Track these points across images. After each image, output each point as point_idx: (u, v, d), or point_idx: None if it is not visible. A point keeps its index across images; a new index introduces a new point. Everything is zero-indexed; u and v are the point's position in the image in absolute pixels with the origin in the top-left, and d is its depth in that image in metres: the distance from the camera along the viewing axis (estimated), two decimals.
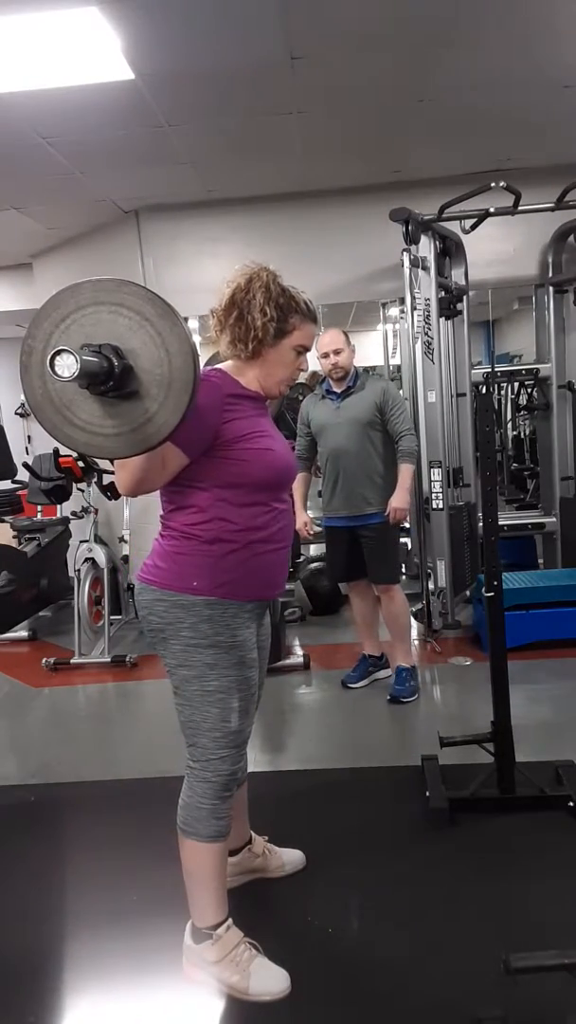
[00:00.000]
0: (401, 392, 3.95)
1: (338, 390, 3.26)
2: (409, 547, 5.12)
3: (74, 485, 4.49)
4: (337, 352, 3.18)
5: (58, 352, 1.16)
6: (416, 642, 4.00)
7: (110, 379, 1.22)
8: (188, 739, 1.65)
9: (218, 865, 1.67)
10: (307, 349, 1.69)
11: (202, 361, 1.38)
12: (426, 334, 3.89)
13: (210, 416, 1.51)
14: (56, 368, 1.16)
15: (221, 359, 1.71)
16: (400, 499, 3.15)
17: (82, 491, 4.43)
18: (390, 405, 3.20)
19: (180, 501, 1.59)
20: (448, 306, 4.11)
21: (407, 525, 4.25)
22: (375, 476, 3.22)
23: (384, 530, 3.24)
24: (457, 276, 4.24)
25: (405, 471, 3.19)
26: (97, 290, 1.27)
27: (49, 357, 1.16)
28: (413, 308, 3.93)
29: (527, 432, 7.20)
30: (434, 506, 3.88)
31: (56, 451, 4.42)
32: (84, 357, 1.17)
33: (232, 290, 1.62)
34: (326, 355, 3.20)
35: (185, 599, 1.56)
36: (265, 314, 1.58)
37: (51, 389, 1.27)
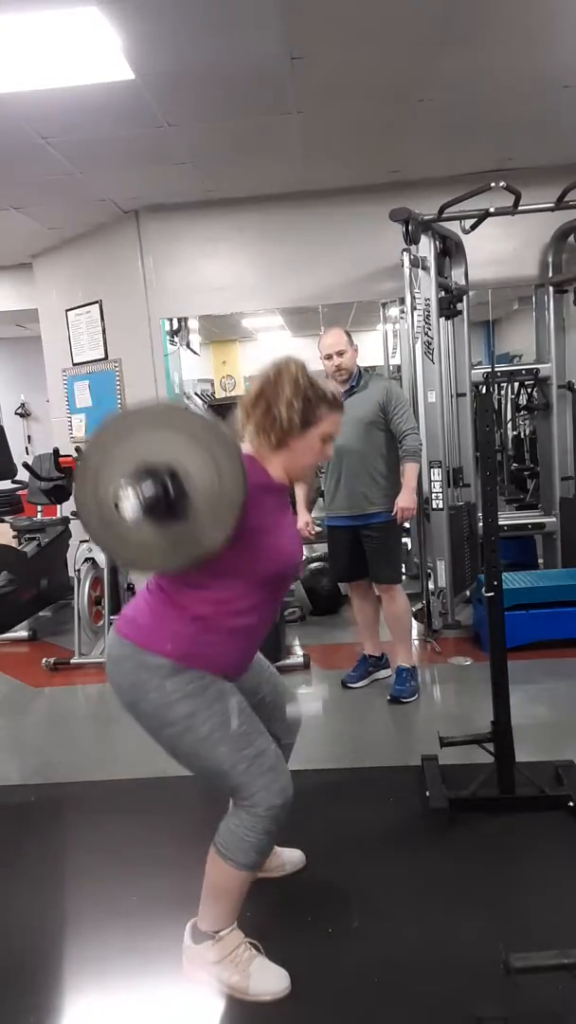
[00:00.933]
0: (388, 377, 3.94)
1: (341, 389, 3.25)
2: (409, 547, 5.12)
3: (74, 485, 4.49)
4: (340, 354, 3.18)
5: (120, 495, 1.19)
6: (416, 642, 4.00)
7: (165, 505, 1.25)
8: (222, 789, 1.61)
9: (243, 887, 1.65)
10: (333, 437, 1.72)
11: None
12: (426, 334, 3.89)
13: None
14: (121, 511, 1.19)
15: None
16: (407, 499, 3.15)
17: None
18: (393, 404, 3.20)
19: (177, 575, 1.57)
20: (448, 306, 4.11)
21: (407, 525, 4.25)
22: (378, 475, 3.22)
23: (387, 530, 3.24)
24: (457, 276, 4.24)
25: (411, 470, 3.19)
26: (153, 413, 1.33)
27: (112, 502, 1.20)
28: (413, 308, 3.92)
29: (527, 432, 7.19)
30: (434, 506, 3.87)
31: (56, 451, 4.42)
32: (146, 497, 1.20)
33: (261, 383, 1.64)
34: (329, 357, 3.20)
35: (152, 660, 1.55)
36: (292, 406, 1.60)
37: (101, 499, 1.30)
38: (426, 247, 3.88)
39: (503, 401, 7.58)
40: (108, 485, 1.26)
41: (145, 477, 1.24)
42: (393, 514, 3.18)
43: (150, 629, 1.57)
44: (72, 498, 1.30)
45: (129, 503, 1.18)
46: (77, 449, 4.37)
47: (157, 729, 1.59)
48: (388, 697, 3.30)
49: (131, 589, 4.58)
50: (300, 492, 3.46)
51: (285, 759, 1.82)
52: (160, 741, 1.61)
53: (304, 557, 5.26)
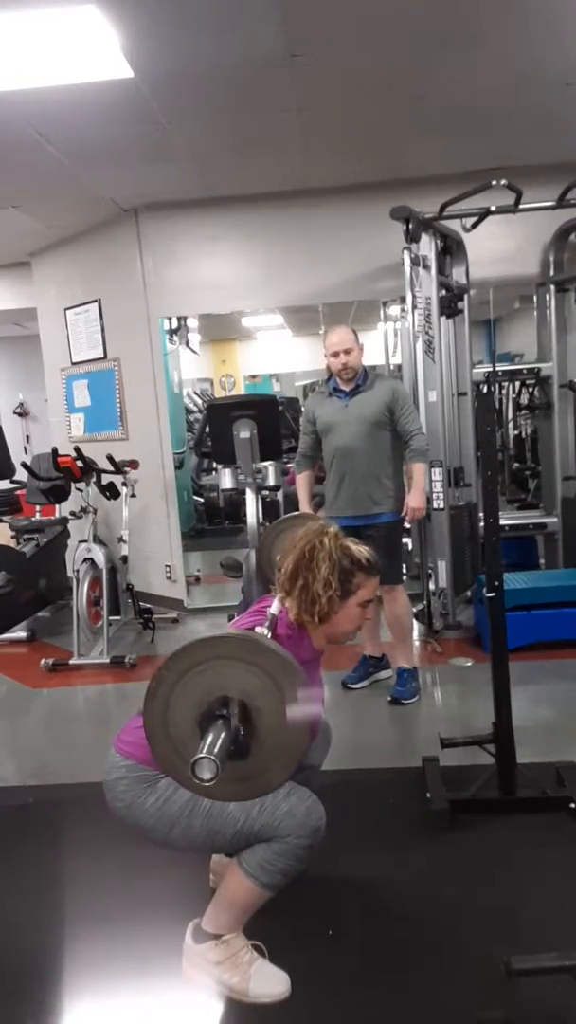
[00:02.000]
0: (392, 377, 3.94)
1: (346, 388, 3.24)
2: (410, 547, 5.11)
3: (72, 485, 4.48)
4: (347, 352, 3.17)
5: (198, 766, 1.18)
6: (417, 643, 3.99)
7: (237, 748, 1.26)
8: (252, 842, 1.58)
9: (260, 902, 1.64)
10: (370, 602, 1.75)
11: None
12: (427, 333, 3.88)
13: None
14: (198, 773, 1.18)
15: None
16: (417, 499, 3.15)
17: (81, 491, 4.42)
18: (400, 404, 3.19)
19: None
20: (449, 305, 4.10)
21: (408, 526, 4.24)
22: (382, 476, 3.21)
23: (389, 530, 3.23)
24: (458, 275, 4.23)
25: (418, 470, 3.18)
26: (240, 646, 1.31)
27: (192, 766, 1.18)
28: (414, 307, 3.91)
29: (528, 432, 7.18)
30: (435, 506, 3.86)
31: (55, 450, 4.41)
32: (219, 756, 1.18)
33: (295, 559, 1.66)
34: (336, 355, 3.19)
35: (145, 773, 1.59)
36: (330, 586, 1.63)
37: (170, 720, 1.30)
38: (427, 245, 3.87)
39: (504, 400, 7.57)
40: (179, 716, 1.27)
41: (218, 723, 1.24)
42: (403, 514, 3.17)
43: (146, 747, 1.54)
44: (143, 712, 1.29)
45: (206, 768, 1.17)
46: (76, 449, 4.36)
47: (168, 833, 1.60)
48: (389, 698, 3.29)
49: (130, 589, 4.57)
50: (302, 491, 3.46)
51: (315, 781, 1.81)
52: (176, 845, 1.62)
53: None
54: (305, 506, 3.42)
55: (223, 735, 1.22)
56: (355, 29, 2.69)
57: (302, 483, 3.47)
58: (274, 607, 1.70)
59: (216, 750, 1.18)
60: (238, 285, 4.66)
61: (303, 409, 3.58)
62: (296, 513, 2.97)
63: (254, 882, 1.58)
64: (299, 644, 1.67)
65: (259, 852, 1.57)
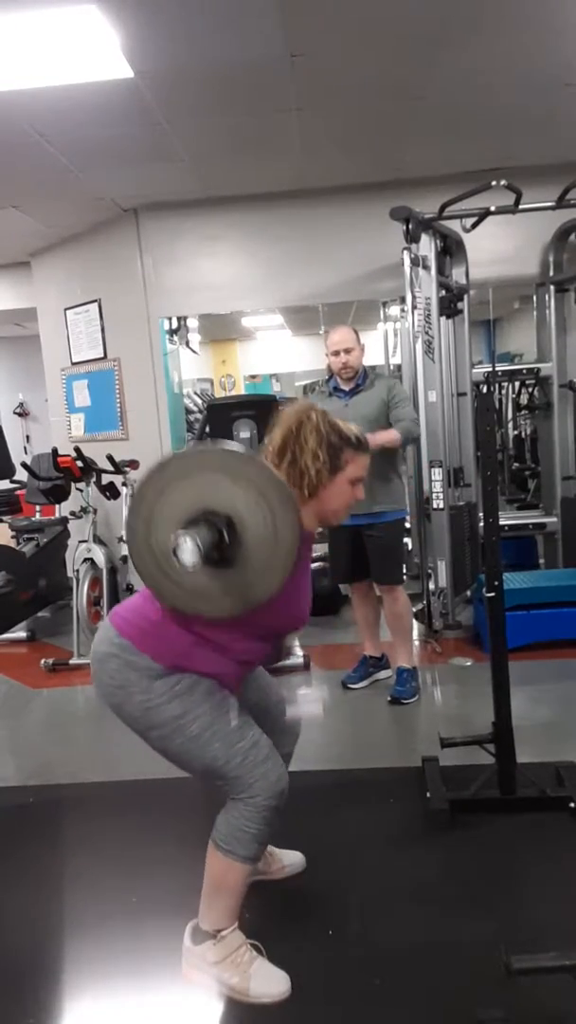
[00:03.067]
0: (391, 376, 3.93)
1: (346, 388, 3.25)
2: (410, 547, 5.11)
3: (72, 485, 4.48)
4: (348, 351, 3.17)
5: (180, 543, 1.17)
6: (417, 643, 3.99)
7: (220, 553, 1.25)
8: (219, 783, 1.60)
9: (243, 881, 1.66)
10: (361, 479, 1.72)
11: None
12: (426, 333, 3.88)
13: None
14: (179, 554, 1.17)
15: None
16: (380, 437, 2.97)
17: (81, 491, 4.42)
18: (394, 400, 3.20)
19: None
20: (449, 305, 4.10)
21: (408, 526, 4.24)
22: (382, 474, 3.21)
23: (389, 530, 3.24)
24: (458, 275, 4.23)
25: (391, 433, 3.07)
26: (226, 458, 1.31)
27: (172, 544, 1.18)
28: (413, 307, 3.91)
29: (528, 432, 7.19)
30: (435, 506, 3.86)
31: (55, 450, 4.41)
32: (204, 546, 1.18)
33: (283, 434, 1.64)
34: (336, 353, 3.19)
35: (141, 661, 1.54)
36: (318, 459, 1.60)
37: (153, 542, 1.29)
38: (427, 246, 3.87)
39: (504, 401, 7.58)
40: (162, 529, 1.25)
41: (202, 524, 1.23)
42: (393, 520, 3.18)
43: (146, 632, 1.56)
44: (125, 543, 1.30)
45: (187, 551, 1.16)
46: (76, 449, 4.36)
47: (144, 731, 1.59)
48: (388, 698, 3.29)
49: (130, 590, 4.57)
50: None
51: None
52: (148, 742, 1.61)
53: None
54: None
55: (207, 533, 1.20)
56: (355, 29, 2.69)
57: None
58: None
59: (200, 539, 1.17)
60: (238, 285, 4.66)
61: None
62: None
63: (232, 857, 1.60)
64: None
65: (230, 822, 1.60)
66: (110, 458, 4.40)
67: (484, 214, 3.78)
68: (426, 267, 3.87)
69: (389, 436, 3.10)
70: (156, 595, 1.32)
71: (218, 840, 1.62)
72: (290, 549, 1.28)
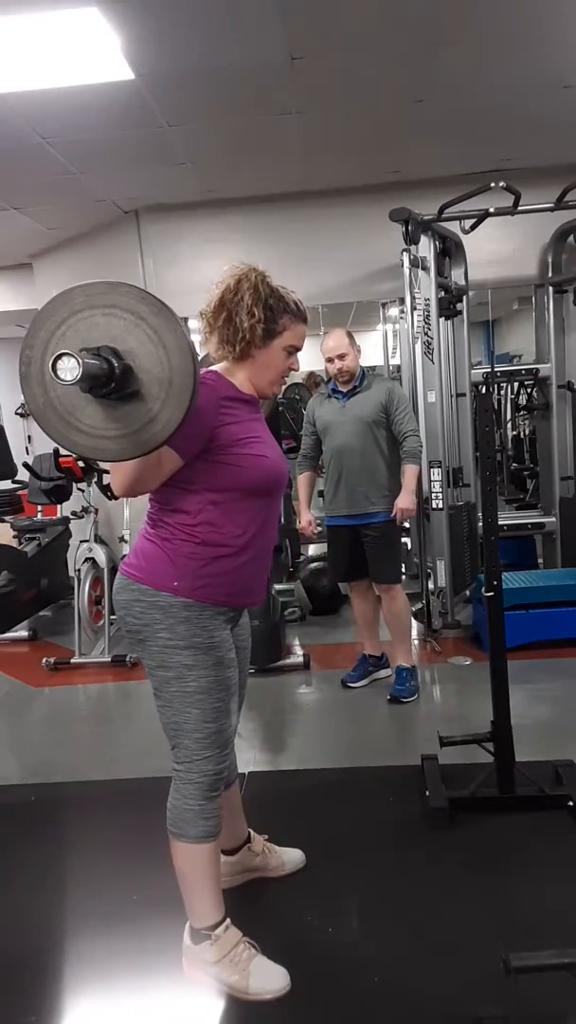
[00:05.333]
0: (390, 378, 3.95)
1: (344, 390, 3.26)
2: (409, 547, 5.12)
3: (74, 485, 4.50)
4: (342, 357, 3.18)
5: (59, 356, 1.16)
6: (416, 642, 4.00)
7: (111, 381, 1.21)
8: (171, 741, 1.65)
9: (210, 865, 1.67)
10: (298, 349, 1.69)
11: None
12: (426, 334, 3.89)
13: (206, 418, 1.50)
14: (58, 372, 1.16)
15: (212, 361, 1.70)
16: (406, 500, 3.16)
17: (82, 491, 4.43)
18: (395, 405, 3.20)
19: (170, 502, 1.58)
20: (448, 306, 4.11)
21: (407, 525, 4.25)
22: (378, 475, 3.22)
23: (387, 529, 3.25)
24: (457, 276, 4.24)
25: (411, 472, 3.19)
26: (89, 294, 1.27)
27: (51, 362, 1.16)
28: (413, 308, 3.93)
29: (527, 432, 7.19)
30: (434, 506, 3.88)
31: (56, 451, 4.42)
32: (85, 360, 1.17)
33: (221, 292, 1.61)
34: (331, 360, 3.20)
35: (163, 599, 1.56)
36: (253, 315, 1.57)
37: (53, 396, 1.27)
38: (426, 247, 3.88)
39: (503, 401, 7.59)
40: (52, 371, 1.20)
41: (88, 350, 1.20)
42: (392, 515, 3.18)
43: (156, 569, 1.58)
44: (25, 399, 1.27)
45: (69, 370, 1.14)
46: None
47: (155, 668, 1.61)
48: (388, 697, 3.30)
49: None
50: (302, 491, 3.48)
51: (246, 663, 1.84)
52: (151, 679, 1.64)
53: (304, 557, 5.27)
54: (305, 507, 3.44)
55: (92, 360, 1.18)
56: (355, 32, 2.71)
57: (303, 484, 3.49)
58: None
59: (84, 358, 1.15)
60: None
61: (304, 410, 3.59)
62: None
63: (184, 839, 1.63)
64: (217, 382, 1.59)
65: (174, 803, 1.65)
66: None
67: (483, 215, 3.79)
68: (425, 268, 3.88)
69: (410, 491, 3.16)
70: (65, 447, 1.31)
71: (169, 827, 1.66)
72: (186, 376, 1.23)
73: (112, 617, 4.28)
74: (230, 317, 1.59)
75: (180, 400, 1.25)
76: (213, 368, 1.66)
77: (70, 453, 4.32)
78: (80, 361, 1.15)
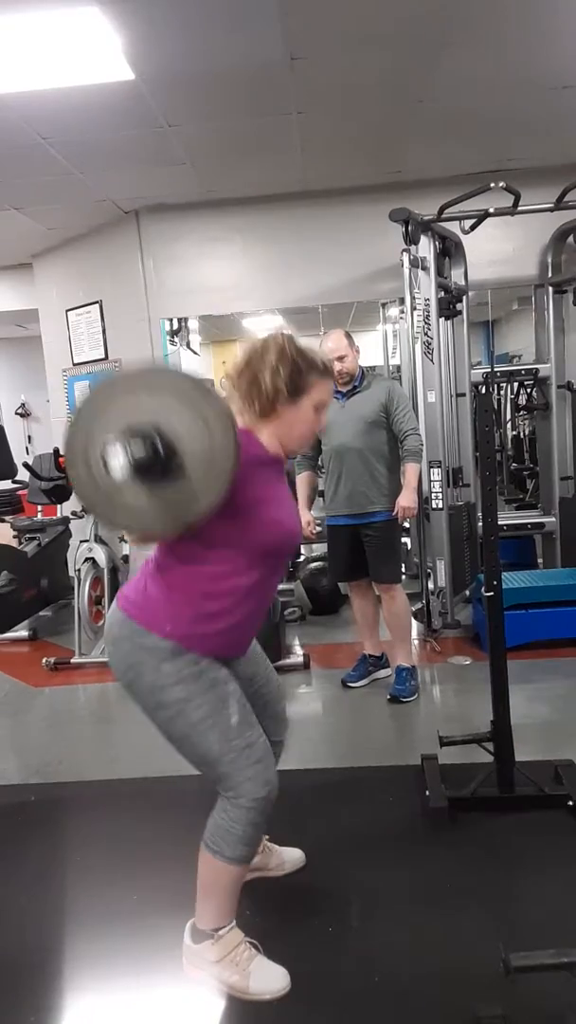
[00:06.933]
0: (389, 378, 3.96)
1: (343, 390, 3.26)
2: (409, 547, 5.13)
3: None
4: (342, 359, 3.18)
5: (109, 448, 1.18)
6: (416, 642, 4.00)
7: (157, 465, 1.23)
8: (209, 776, 1.61)
9: (234, 883, 1.66)
10: (326, 405, 1.70)
11: None
12: (426, 334, 3.90)
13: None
14: (110, 469, 1.18)
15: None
16: (408, 498, 3.16)
17: None
18: (396, 404, 3.21)
19: (178, 551, 1.57)
20: (448, 306, 4.11)
21: (407, 525, 4.25)
22: (378, 475, 3.22)
23: (387, 529, 3.25)
24: (457, 276, 4.24)
25: (412, 470, 3.19)
26: (131, 377, 1.31)
27: (99, 454, 1.18)
28: (413, 308, 3.93)
29: (526, 432, 7.20)
30: (434, 506, 3.88)
31: (56, 451, 4.42)
32: (134, 454, 1.18)
33: (247, 353, 1.62)
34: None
35: (151, 640, 1.55)
36: (279, 373, 1.57)
37: (97, 475, 1.28)
38: (426, 247, 3.88)
39: (503, 401, 7.59)
40: (98, 446, 1.24)
41: (134, 436, 1.22)
42: (394, 513, 3.19)
43: (150, 610, 1.57)
44: (64, 463, 1.28)
45: (118, 460, 1.16)
46: None
47: (152, 710, 1.60)
48: (388, 696, 3.30)
49: None
50: (301, 491, 3.47)
51: (277, 756, 1.83)
52: (155, 722, 1.62)
53: (304, 557, 5.27)
54: (304, 507, 3.44)
55: (139, 443, 1.19)
56: (355, 32, 2.71)
57: (302, 484, 3.48)
58: None
59: (132, 457, 1.17)
60: (238, 286, 4.68)
61: None
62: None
63: (220, 858, 1.60)
64: (248, 441, 1.57)
65: (218, 821, 1.60)
66: None
67: (483, 216, 3.79)
68: (425, 268, 3.89)
69: (412, 488, 3.16)
70: (98, 517, 1.33)
71: (207, 840, 1.62)
72: (227, 457, 1.25)
73: None
74: (255, 378, 1.59)
75: (221, 477, 1.28)
76: (243, 427, 1.64)
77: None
78: (129, 456, 1.17)
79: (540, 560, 4.87)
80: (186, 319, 5.54)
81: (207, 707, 1.56)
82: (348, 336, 3.24)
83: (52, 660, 4.07)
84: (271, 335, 1.64)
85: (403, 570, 4.81)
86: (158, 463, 1.23)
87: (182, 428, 1.26)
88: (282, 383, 1.57)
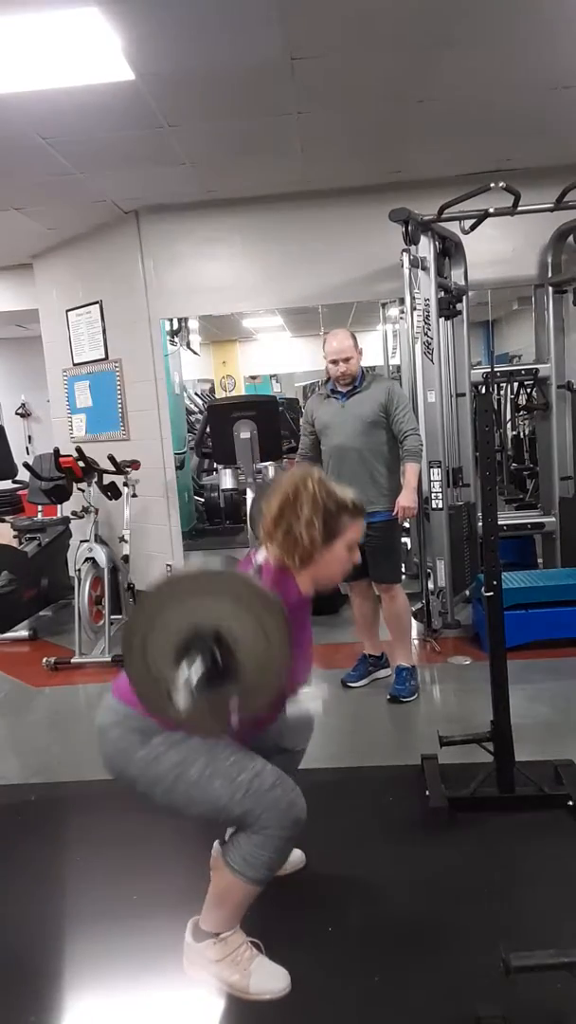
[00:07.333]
0: (389, 378, 3.96)
1: (343, 390, 3.27)
2: (409, 547, 5.13)
3: (74, 485, 4.50)
4: (347, 360, 3.19)
5: (173, 686, 1.21)
6: (416, 641, 4.00)
7: (213, 677, 1.27)
8: (231, 823, 1.60)
9: (249, 898, 1.65)
10: (357, 543, 1.73)
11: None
12: (426, 334, 3.90)
13: None
14: (177, 699, 1.21)
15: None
16: (408, 498, 3.16)
17: (82, 491, 4.44)
18: (396, 404, 3.21)
19: None
20: (448, 306, 4.11)
21: (407, 525, 4.26)
22: (377, 475, 3.23)
23: (386, 529, 3.25)
24: (456, 276, 4.24)
25: (411, 470, 3.20)
26: (204, 579, 1.34)
27: (165, 691, 1.21)
28: (413, 308, 3.93)
29: (526, 432, 7.20)
30: (434, 506, 3.88)
31: (56, 451, 4.43)
32: (195, 682, 1.21)
33: (280, 501, 1.65)
34: (335, 363, 3.21)
35: (140, 722, 1.56)
36: (313, 527, 1.61)
37: (154, 670, 1.31)
38: (426, 247, 3.89)
39: (502, 401, 7.59)
40: (157, 651, 1.29)
41: (194, 653, 1.25)
42: (394, 513, 3.19)
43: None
44: (122, 654, 1.32)
45: (182, 694, 1.20)
46: (78, 449, 4.37)
47: (151, 789, 1.59)
48: (388, 696, 3.31)
49: (131, 589, 4.58)
50: None
51: (297, 763, 1.82)
52: (157, 803, 1.61)
53: None
54: None
55: (199, 664, 1.23)
56: (355, 32, 2.71)
57: None
58: (259, 556, 1.69)
59: (194, 681, 1.20)
60: (238, 287, 4.68)
61: (303, 409, 3.60)
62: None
63: (240, 878, 1.59)
64: (285, 589, 1.63)
65: (243, 846, 1.58)
66: (111, 458, 4.41)
67: (483, 216, 3.79)
68: (425, 268, 3.89)
69: (412, 488, 3.17)
70: (152, 710, 1.37)
71: (228, 859, 1.60)
72: (282, 665, 1.30)
73: (112, 617, 4.29)
74: (290, 529, 1.63)
75: (271, 687, 1.33)
76: (281, 568, 1.67)
77: (69, 451, 4.33)
78: (193, 691, 1.19)
79: (540, 560, 4.87)
80: (186, 319, 5.55)
81: (202, 759, 1.56)
82: (353, 337, 3.24)
83: (52, 660, 4.07)
84: (300, 481, 1.66)
85: (403, 570, 4.82)
86: (216, 674, 1.26)
87: (241, 634, 1.29)
88: (317, 534, 1.62)
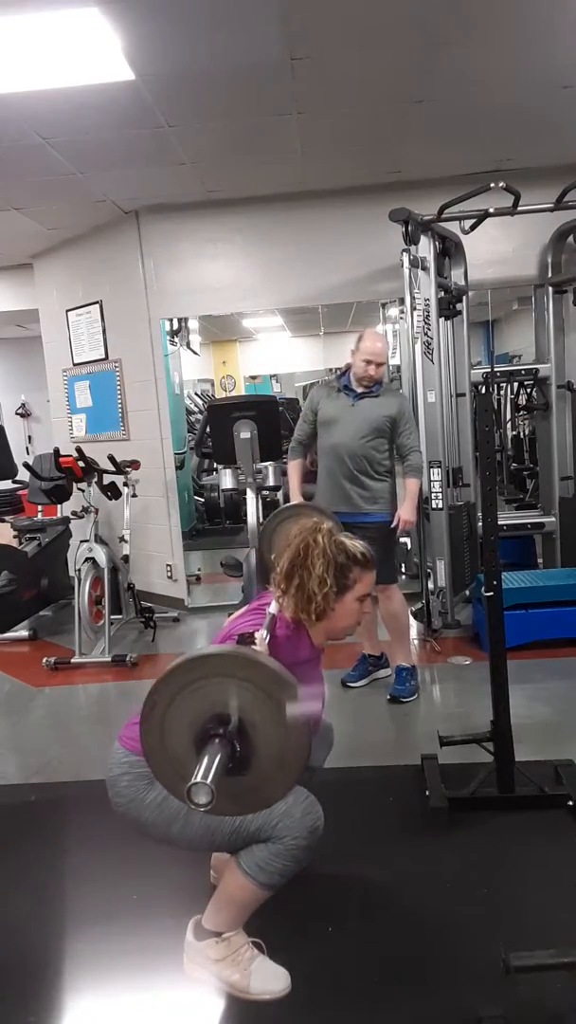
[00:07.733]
0: (401, 392, 3.97)
1: (358, 390, 3.27)
2: (409, 547, 5.13)
3: (74, 485, 4.50)
4: (379, 365, 3.24)
5: (194, 790, 1.18)
6: (416, 641, 4.00)
7: (231, 762, 1.26)
8: (248, 843, 1.59)
9: (258, 902, 1.64)
10: (368, 595, 1.75)
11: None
12: (426, 334, 3.90)
13: None
14: (194, 802, 1.18)
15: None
16: (409, 511, 3.24)
17: (82, 491, 4.44)
18: (403, 421, 3.27)
19: None
20: (447, 306, 4.11)
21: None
22: (371, 478, 3.25)
23: (382, 530, 3.25)
24: (456, 276, 4.24)
25: (413, 485, 3.27)
26: (229, 663, 1.31)
27: (186, 791, 1.18)
28: (413, 308, 3.93)
29: (526, 432, 7.19)
30: (434, 506, 3.88)
31: (56, 451, 4.42)
32: (213, 781, 1.18)
33: (291, 557, 1.66)
34: (368, 363, 3.21)
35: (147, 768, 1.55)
36: (325, 583, 1.63)
37: (168, 745, 1.30)
38: (426, 247, 3.88)
39: (502, 401, 7.58)
40: (175, 734, 1.28)
41: (213, 747, 1.24)
42: (393, 524, 3.22)
43: None
44: (141, 739, 1.32)
45: (202, 797, 1.18)
46: (78, 449, 4.37)
47: (166, 830, 1.59)
48: (388, 696, 3.31)
49: (131, 589, 4.58)
50: (293, 480, 3.47)
51: (313, 779, 1.82)
52: (174, 842, 1.61)
53: None
54: (296, 493, 3.44)
55: (218, 755, 1.22)
56: (355, 33, 2.71)
57: (294, 471, 3.49)
58: (272, 607, 1.71)
59: (211, 774, 1.18)
60: (238, 287, 4.68)
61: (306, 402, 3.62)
62: (294, 504, 3.02)
63: (252, 882, 1.59)
64: (298, 643, 1.68)
65: (257, 853, 1.58)
66: (111, 458, 4.41)
67: (483, 216, 3.79)
68: (425, 268, 3.88)
69: (413, 501, 3.25)
70: (166, 785, 1.36)
71: (242, 863, 1.60)
72: (300, 758, 1.29)
73: (112, 617, 4.29)
74: (302, 584, 1.64)
75: (289, 779, 1.31)
76: (295, 621, 1.68)
77: (69, 451, 4.33)
78: (213, 792, 1.17)
79: (540, 560, 4.87)
80: (186, 319, 5.54)
81: None
82: (386, 343, 3.27)
83: (52, 660, 4.07)
84: (311, 535, 1.67)
85: (402, 570, 4.82)
86: (232, 758, 1.25)
87: (261, 722, 1.28)
88: (330, 590, 1.64)
